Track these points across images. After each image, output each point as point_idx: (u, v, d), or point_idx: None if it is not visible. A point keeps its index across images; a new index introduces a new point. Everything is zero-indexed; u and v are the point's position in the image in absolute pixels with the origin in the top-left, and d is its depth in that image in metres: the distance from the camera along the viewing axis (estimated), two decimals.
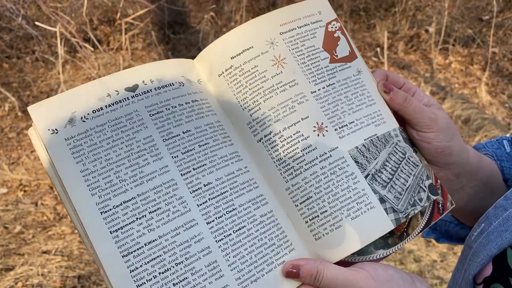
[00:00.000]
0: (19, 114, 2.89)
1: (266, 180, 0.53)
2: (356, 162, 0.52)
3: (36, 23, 3.12)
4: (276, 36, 0.55)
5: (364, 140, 0.53)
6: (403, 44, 3.59)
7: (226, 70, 0.54)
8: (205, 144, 0.51)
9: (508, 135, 2.69)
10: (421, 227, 0.54)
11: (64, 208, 2.36)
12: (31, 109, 0.48)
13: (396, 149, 0.55)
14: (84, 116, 0.48)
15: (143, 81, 0.51)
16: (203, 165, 0.50)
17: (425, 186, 0.55)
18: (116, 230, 0.45)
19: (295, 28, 0.56)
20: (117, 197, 0.46)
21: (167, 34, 3.63)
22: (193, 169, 0.49)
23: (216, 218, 0.48)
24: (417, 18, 3.69)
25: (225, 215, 0.49)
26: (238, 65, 0.54)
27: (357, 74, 0.57)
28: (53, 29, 3.01)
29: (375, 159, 0.53)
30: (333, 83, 0.55)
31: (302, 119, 0.52)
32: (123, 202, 0.46)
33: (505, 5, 3.56)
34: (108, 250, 0.45)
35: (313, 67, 0.55)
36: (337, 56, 0.56)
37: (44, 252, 2.13)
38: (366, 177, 0.52)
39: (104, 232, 0.45)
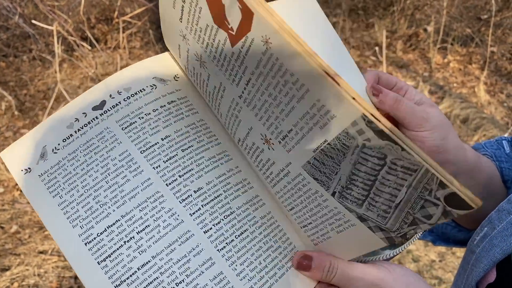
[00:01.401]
0: (16, 113, 2.87)
1: (259, 179, 0.49)
2: (315, 179, 0.41)
3: (33, 21, 3.10)
4: (182, 28, 0.44)
5: (314, 152, 0.39)
6: (402, 43, 3.58)
7: (185, 70, 0.50)
8: (189, 147, 0.48)
9: (506, 134, 2.69)
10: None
11: None
12: (3, 155, 0.46)
13: (366, 154, 0.37)
14: (55, 147, 0.46)
15: (110, 95, 0.48)
16: (190, 170, 0.47)
17: (438, 198, 0.36)
18: (104, 260, 0.42)
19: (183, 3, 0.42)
20: (99, 224, 0.43)
21: None
22: (179, 176, 0.46)
23: (213, 225, 0.45)
24: (416, 17, 3.68)
25: (223, 220, 0.45)
26: (186, 66, 0.49)
27: (266, 50, 0.36)
28: (50, 27, 2.99)
29: (336, 174, 0.40)
30: (249, 79, 0.39)
31: (249, 129, 0.44)
32: (107, 227, 0.43)
33: (504, 4, 3.55)
34: (99, 283, 0.41)
35: (224, 60, 0.41)
36: (232, 29, 0.38)
37: (41, 252, 2.11)
38: (333, 195, 0.41)
39: (91, 264, 0.41)
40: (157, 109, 0.49)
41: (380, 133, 0.35)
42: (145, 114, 0.48)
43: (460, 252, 2.12)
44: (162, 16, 0.47)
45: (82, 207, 0.44)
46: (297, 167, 0.41)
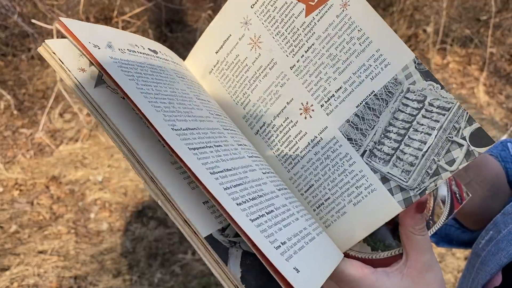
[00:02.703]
0: (15, 112, 2.87)
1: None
2: (349, 139, 0.46)
3: (32, 20, 3.09)
4: (248, 13, 0.51)
5: (357, 107, 0.45)
6: None
7: (214, 66, 0.53)
8: (226, 116, 0.50)
9: (506, 135, 2.69)
10: (445, 215, 0.50)
11: (60, 208, 2.34)
12: (64, 19, 0.41)
13: (407, 99, 0.43)
14: (122, 49, 0.43)
15: (160, 51, 0.49)
16: (234, 130, 0.48)
17: (464, 138, 0.41)
18: (194, 149, 0.38)
19: None
20: (181, 122, 0.40)
21: (164, 33, 3.61)
22: (230, 129, 0.47)
23: (266, 172, 0.46)
24: (415, 18, 3.68)
25: (271, 172, 0.47)
26: (222, 59, 0.53)
27: (341, 12, 0.45)
28: (49, 26, 2.98)
29: (372, 129, 0.44)
30: (312, 44, 0.47)
31: (287, 103, 0.49)
32: (188, 129, 0.40)
33: (503, 6, 3.56)
34: (195, 163, 0.37)
35: (288, 33, 0.49)
36: (313, 0, 0.47)
37: (40, 252, 2.11)
38: (362, 155, 0.45)
39: (183, 146, 0.37)
40: (196, 82, 0.51)
41: (425, 74, 0.42)
42: (190, 80, 0.50)
43: (460, 253, 2.12)
44: (227, 7, 0.52)
45: (161, 102, 0.40)
46: (333, 129, 0.46)
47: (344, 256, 0.47)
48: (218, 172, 0.39)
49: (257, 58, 0.51)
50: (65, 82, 0.41)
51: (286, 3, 0.48)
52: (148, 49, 0.47)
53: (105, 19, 3.50)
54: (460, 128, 0.41)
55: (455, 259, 2.10)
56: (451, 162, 0.41)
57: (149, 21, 3.56)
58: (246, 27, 0.51)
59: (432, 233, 0.49)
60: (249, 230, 0.36)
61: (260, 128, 0.51)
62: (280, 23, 0.49)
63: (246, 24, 0.51)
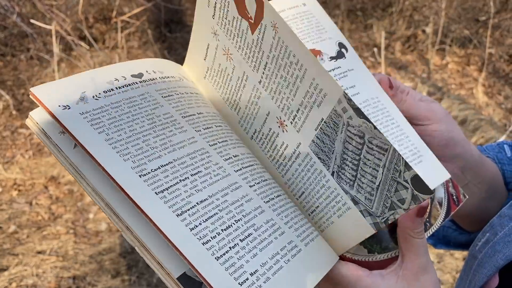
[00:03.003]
0: (14, 112, 2.87)
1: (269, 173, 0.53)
2: (319, 158, 0.46)
3: (31, 20, 3.10)
4: (213, 24, 0.50)
5: (315, 130, 0.45)
6: (400, 45, 3.58)
7: (206, 72, 0.54)
8: (220, 125, 0.50)
9: (504, 136, 2.69)
10: (442, 217, 0.51)
11: (59, 208, 2.34)
12: (34, 89, 0.42)
13: (350, 132, 0.41)
14: (96, 96, 0.44)
15: (147, 71, 0.50)
16: (225, 141, 0.49)
17: (407, 181, 0.39)
18: (162, 191, 0.40)
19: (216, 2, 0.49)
20: (152, 162, 0.42)
21: (163, 33, 3.61)
22: (218, 142, 0.48)
23: (255, 183, 0.47)
24: (414, 18, 3.68)
25: (262, 182, 0.48)
26: (210, 66, 0.53)
27: (275, 34, 0.43)
28: (48, 27, 2.98)
29: (332, 153, 0.44)
30: (266, 62, 0.46)
31: (267, 115, 0.49)
32: (161, 166, 0.42)
33: (502, 6, 3.56)
34: (159, 210, 0.39)
35: (247, 48, 0.47)
36: (251, 17, 0.44)
37: (39, 252, 2.11)
38: (332, 175, 0.45)
39: (149, 193, 0.39)
40: (188, 93, 0.51)
41: (357, 111, 0.40)
42: (180, 93, 0.50)
43: (458, 254, 2.13)
44: (196, 17, 0.51)
45: (132, 146, 0.42)
46: (305, 146, 0.46)
47: (340, 259, 0.48)
48: (188, 209, 0.40)
49: (233, 69, 0.51)
50: (47, 147, 0.42)
51: (234, 17, 0.47)
52: (131, 75, 0.48)
53: (104, 19, 3.50)
54: (401, 171, 0.39)
55: (454, 260, 2.10)
56: (402, 201, 0.40)
57: (148, 21, 3.57)
58: (216, 37, 0.50)
59: (429, 235, 0.49)
60: (209, 273, 0.38)
61: (253, 134, 0.52)
62: (237, 37, 0.48)
63: (215, 35, 0.50)
